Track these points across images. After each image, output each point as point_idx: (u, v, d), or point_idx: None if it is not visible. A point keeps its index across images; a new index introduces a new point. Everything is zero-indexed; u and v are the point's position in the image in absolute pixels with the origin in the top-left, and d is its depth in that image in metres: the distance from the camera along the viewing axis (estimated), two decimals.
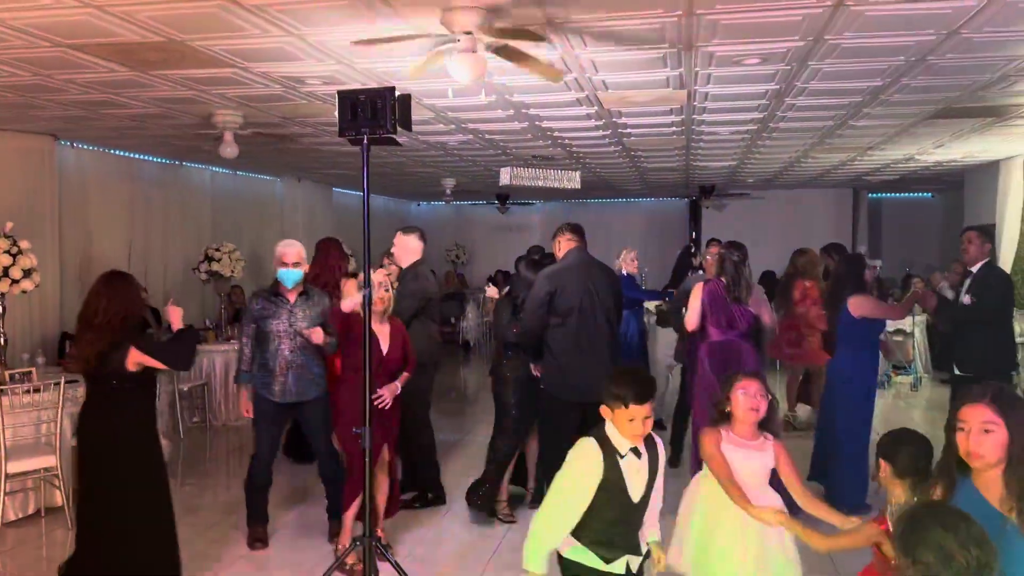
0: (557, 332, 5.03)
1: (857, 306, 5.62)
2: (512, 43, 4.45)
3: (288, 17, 4.27)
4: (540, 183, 10.49)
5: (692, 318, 5.56)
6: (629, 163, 10.74)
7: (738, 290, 5.44)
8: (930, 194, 15.82)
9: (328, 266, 6.57)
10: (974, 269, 5.88)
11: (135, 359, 3.81)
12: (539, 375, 5.25)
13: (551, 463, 4.98)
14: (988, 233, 5.94)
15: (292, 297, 4.94)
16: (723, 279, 5.51)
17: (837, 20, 4.36)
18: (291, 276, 4.88)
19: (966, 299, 5.77)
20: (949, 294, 5.83)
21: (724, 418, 3.29)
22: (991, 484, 2.22)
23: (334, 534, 4.97)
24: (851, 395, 5.69)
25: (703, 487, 3.31)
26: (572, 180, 10.51)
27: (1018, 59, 5.22)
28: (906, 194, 15.88)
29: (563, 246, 5.27)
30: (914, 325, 10.71)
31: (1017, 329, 8.80)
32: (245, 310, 5.19)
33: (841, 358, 5.78)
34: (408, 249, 5.84)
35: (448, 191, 13.05)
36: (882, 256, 15.62)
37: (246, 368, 4.98)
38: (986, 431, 2.20)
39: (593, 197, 16.54)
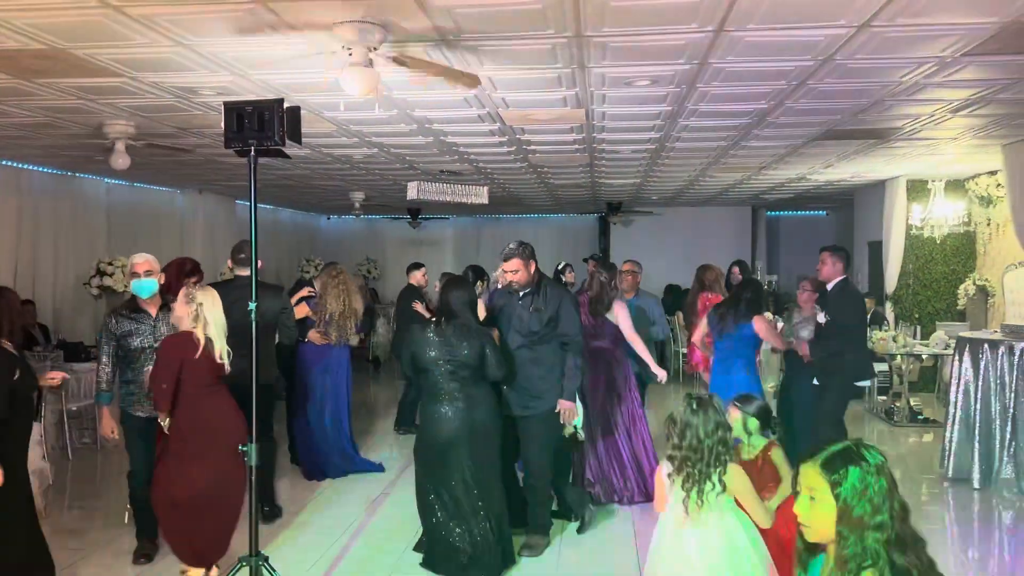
0: None
1: (760, 326, 5.97)
2: (409, 54, 4.48)
3: (176, 27, 4.19)
4: (448, 198, 10.52)
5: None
6: (536, 179, 10.88)
7: (599, 306, 6.07)
8: (824, 212, 16.56)
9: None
10: (829, 287, 6.23)
11: None
12: None
13: None
14: (845, 251, 6.37)
15: (153, 311, 4.86)
16: (589, 294, 6.14)
17: (719, 45, 4.55)
18: (145, 286, 4.80)
19: (821, 317, 6.15)
20: (822, 318, 6.14)
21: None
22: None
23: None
24: None
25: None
26: (480, 195, 10.57)
27: (891, 84, 5.54)
28: (801, 212, 16.59)
29: None
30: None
31: (901, 341, 9.31)
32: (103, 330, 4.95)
33: (741, 373, 5.96)
34: None
35: (357, 205, 12.92)
36: (779, 271, 16.26)
37: (106, 388, 4.85)
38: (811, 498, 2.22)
39: (505, 213, 16.68)
